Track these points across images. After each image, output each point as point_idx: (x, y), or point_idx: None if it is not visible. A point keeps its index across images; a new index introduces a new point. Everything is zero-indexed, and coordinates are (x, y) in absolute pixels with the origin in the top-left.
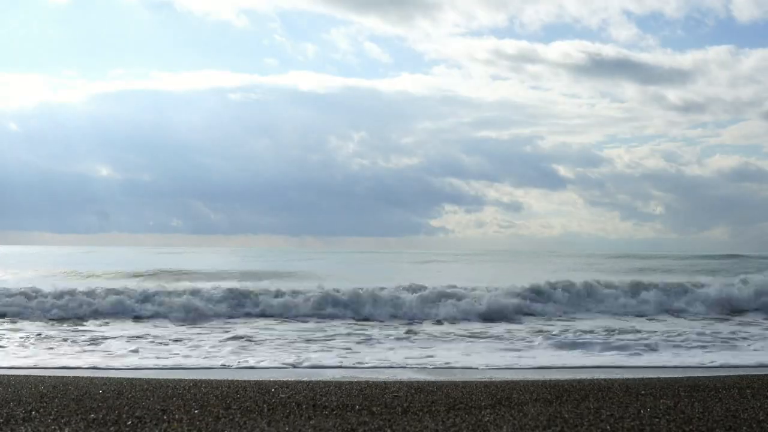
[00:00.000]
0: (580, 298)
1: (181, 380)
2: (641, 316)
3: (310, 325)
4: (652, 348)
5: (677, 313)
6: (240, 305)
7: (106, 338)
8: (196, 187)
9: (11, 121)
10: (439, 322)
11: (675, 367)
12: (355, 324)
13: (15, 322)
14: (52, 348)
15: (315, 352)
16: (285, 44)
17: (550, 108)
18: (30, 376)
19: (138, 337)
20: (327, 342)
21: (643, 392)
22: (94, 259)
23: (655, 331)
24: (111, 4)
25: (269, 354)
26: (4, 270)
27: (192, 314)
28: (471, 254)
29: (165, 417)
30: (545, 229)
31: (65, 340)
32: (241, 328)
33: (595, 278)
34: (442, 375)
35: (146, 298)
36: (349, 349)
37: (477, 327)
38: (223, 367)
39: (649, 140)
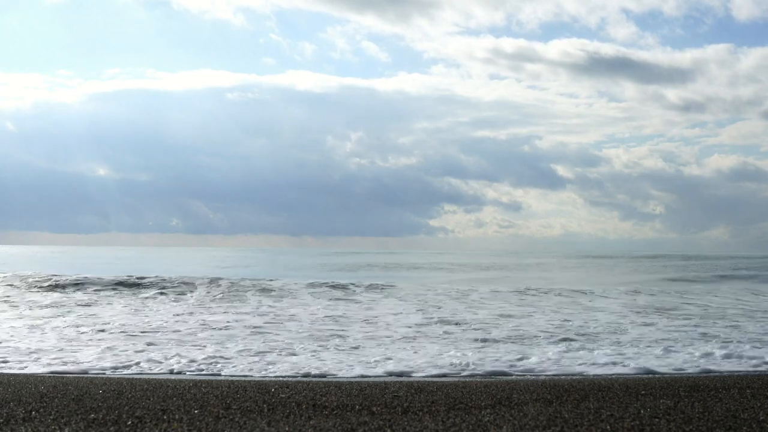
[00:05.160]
0: None
1: (181, 380)
2: None
3: None
4: None
5: None
6: None
7: None
8: (195, 186)
9: (8, 121)
10: None
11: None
12: None
13: None
14: None
15: None
16: (282, 43)
17: (548, 108)
18: (30, 375)
19: None
20: None
21: (643, 392)
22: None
23: None
24: (107, 2)
25: None
26: None
27: None
28: (490, 254)
29: (165, 417)
30: (545, 229)
31: None
32: None
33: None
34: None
35: None
36: None
37: None
38: None
39: (647, 140)
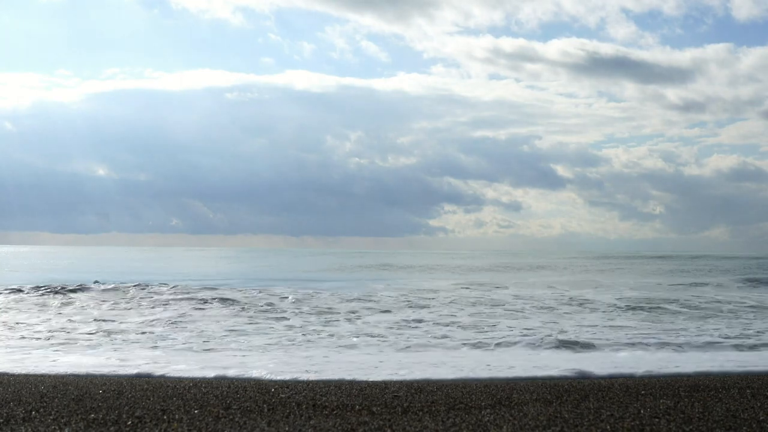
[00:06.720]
0: None
1: (181, 380)
2: None
3: None
4: None
5: None
6: None
7: None
8: (194, 186)
9: (6, 121)
10: None
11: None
12: None
13: None
14: None
15: None
16: (281, 43)
17: (547, 107)
18: (30, 375)
19: None
20: None
21: (643, 392)
22: None
23: None
24: (105, 2)
25: None
26: None
27: None
28: (500, 254)
29: (165, 417)
30: (545, 229)
31: None
32: None
33: None
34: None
35: None
36: None
37: None
38: None
39: (647, 140)
